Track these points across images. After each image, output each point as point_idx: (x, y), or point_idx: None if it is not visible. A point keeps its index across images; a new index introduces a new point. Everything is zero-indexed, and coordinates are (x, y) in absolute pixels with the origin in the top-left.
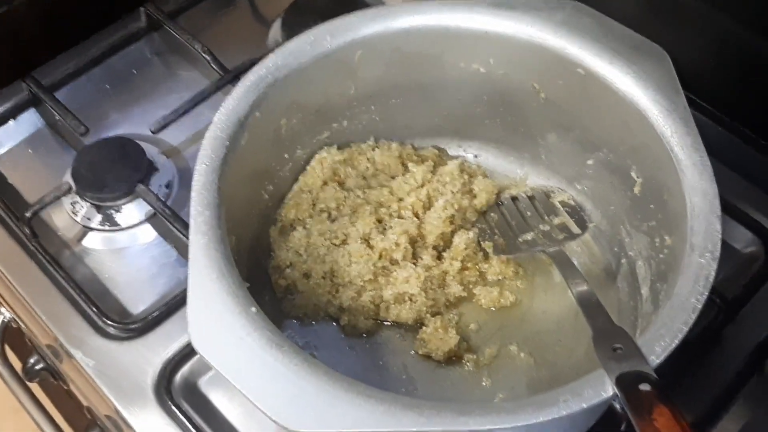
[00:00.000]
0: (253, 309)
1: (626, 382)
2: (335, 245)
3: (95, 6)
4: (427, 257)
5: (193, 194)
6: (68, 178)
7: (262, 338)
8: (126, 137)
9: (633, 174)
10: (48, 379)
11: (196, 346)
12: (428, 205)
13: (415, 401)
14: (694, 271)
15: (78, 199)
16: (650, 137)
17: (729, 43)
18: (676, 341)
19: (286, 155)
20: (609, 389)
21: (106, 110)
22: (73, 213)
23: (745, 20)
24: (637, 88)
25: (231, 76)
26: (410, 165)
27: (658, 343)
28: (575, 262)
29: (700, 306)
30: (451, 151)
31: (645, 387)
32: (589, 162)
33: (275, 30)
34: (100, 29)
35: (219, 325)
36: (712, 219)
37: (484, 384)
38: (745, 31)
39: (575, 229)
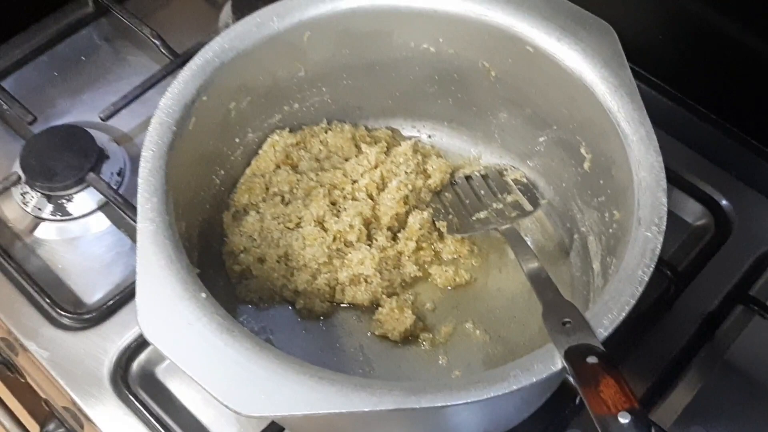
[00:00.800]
0: (203, 294)
1: (575, 356)
2: (289, 229)
3: None
4: (381, 238)
5: (140, 181)
6: (17, 168)
7: (212, 323)
8: (75, 125)
9: (582, 150)
10: (4, 372)
11: (146, 332)
12: (382, 187)
13: (366, 381)
14: (640, 245)
15: (28, 189)
16: (598, 112)
17: (673, 14)
18: (624, 314)
19: (236, 139)
20: (558, 363)
21: (54, 98)
22: (24, 203)
23: None
24: (584, 64)
25: (181, 61)
26: (363, 146)
27: (606, 315)
28: (528, 239)
29: (646, 278)
30: (405, 132)
31: (592, 359)
32: (541, 139)
33: (226, 13)
34: (46, 15)
35: (168, 311)
36: (658, 193)
37: (440, 362)
38: (689, 3)
39: (527, 207)
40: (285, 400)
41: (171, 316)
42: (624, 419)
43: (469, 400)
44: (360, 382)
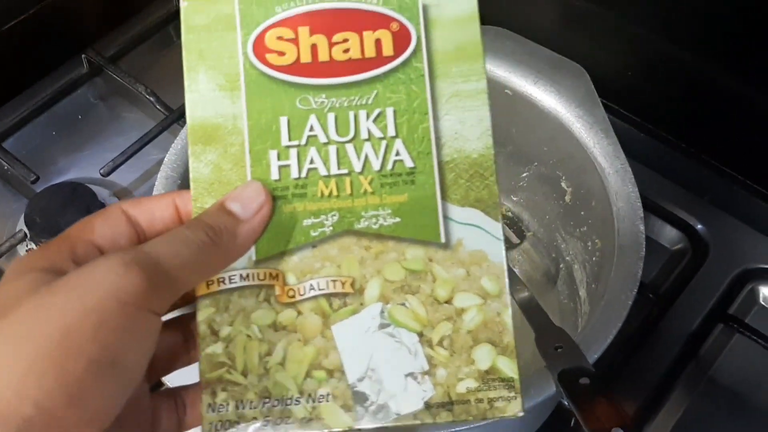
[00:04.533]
0: None
1: (568, 378)
2: None
3: (36, 55)
4: None
5: None
6: (22, 226)
7: None
8: (76, 182)
9: (563, 184)
10: None
11: None
12: None
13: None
14: (623, 271)
15: (33, 245)
16: (575, 149)
17: (642, 52)
18: (611, 336)
19: None
20: (552, 386)
21: (54, 157)
22: None
23: (655, 29)
24: (560, 105)
25: (176, 115)
26: None
27: (594, 339)
28: (517, 270)
29: (630, 302)
30: None
31: (585, 381)
32: (524, 175)
33: None
34: (42, 77)
35: None
36: (636, 221)
37: None
38: (656, 40)
39: (514, 239)
40: None
41: None
42: None
43: (471, 425)
44: None
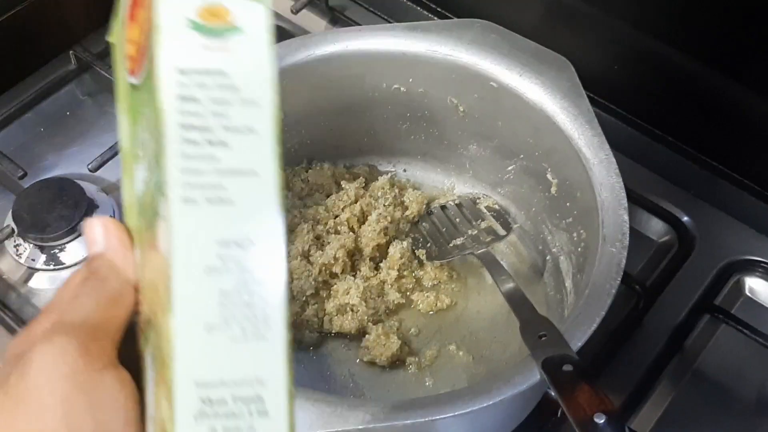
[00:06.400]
0: None
1: (551, 366)
2: None
3: (24, 51)
4: (365, 269)
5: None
6: (9, 222)
7: None
8: (64, 177)
9: (549, 176)
10: None
11: None
12: (363, 220)
13: (359, 401)
14: (606, 260)
15: (21, 241)
16: (560, 141)
17: (628, 46)
18: (594, 325)
19: None
20: (536, 374)
21: (42, 153)
22: (17, 255)
23: (639, 24)
24: (545, 97)
25: None
26: (343, 183)
27: (579, 328)
28: (504, 262)
29: (614, 291)
30: (381, 168)
31: (568, 368)
32: (510, 168)
33: None
34: (29, 74)
35: None
36: (619, 211)
37: (427, 384)
38: (641, 34)
39: (501, 231)
40: None
41: None
42: (599, 419)
43: (455, 413)
44: (353, 403)
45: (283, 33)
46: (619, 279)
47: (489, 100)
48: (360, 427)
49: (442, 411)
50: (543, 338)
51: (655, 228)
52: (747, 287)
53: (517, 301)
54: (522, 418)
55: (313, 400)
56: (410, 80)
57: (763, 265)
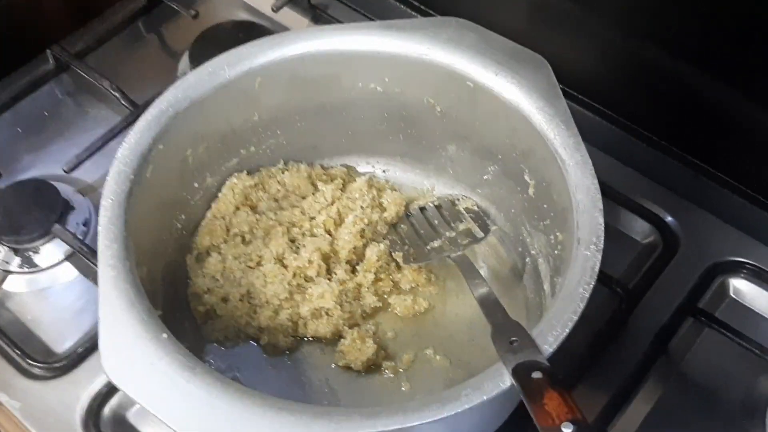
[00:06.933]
0: (164, 335)
1: (522, 372)
2: (250, 268)
3: (2, 51)
4: (340, 272)
5: (100, 229)
6: None
7: (173, 362)
8: (40, 179)
9: (526, 177)
10: None
11: (110, 374)
12: (339, 222)
13: (325, 409)
14: (581, 263)
15: None
16: (537, 141)
17: (610, 44)
18: (567, 330)
19: (195, 184)
20: (507, 380)
21: (18, 153)
22: None
23: (620, 23)
24: (521, 96)
25: (141, 111)
26: (320, 184)
27: (550, 332)
28: (484, 266)
29: (587, 294)
30: (360, 168)
31: (537, 375)
32: (489, 169)
33: (184, 62)
34: (7, 74)
35: (131, 352)
36: (594, 213)
37: (403, 389)
38: (620, 33)
39: (479, 233)
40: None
41: (134, 358)
42: (567, 429)
43: (423, 421)
44: (319, 411)
45: (263, 31)
46: (593, 283)
47: (466, 100)
48: None
49: (409, 419)
50: (514, 343)
51: (640, 229)
52: (732, 288)
53: (490, 306)
54: (501, 422)
55: (277, 408)
56: (386, 80)
57: (748, 266)
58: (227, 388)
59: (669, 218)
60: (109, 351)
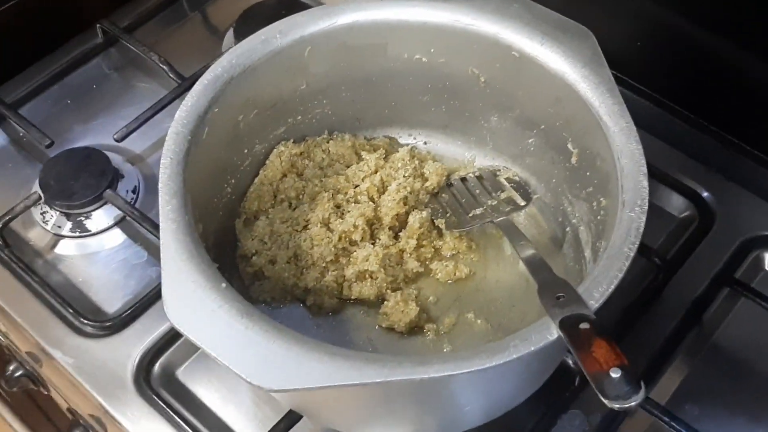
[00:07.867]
0: (223, 284)
1: (568, 324)
2: (297, 231)
3: (52, 24)
4: (384, 237)
5: (161, 185)
6: (36, 189)
7: (233, 309)
8: (91, 147)
9: (569, 146)
10: (28, 385)
11: (173, 320)
12: (382, 190)
13: (377, 356)
14: (625, 225)
15: (47, 208)
16: (581, 109)
17: (650, 21)
18: (612, 287)
19: (245, 150)
20: (554, 332)
21: (69, 124)
22: (44, 222)
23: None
24: (566, 65)
25: (188, 83)
26: (363, 154)
27: (596, 289)
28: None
29: (632, 254)
30: (402, 140)
31: (585, 326)
32: (530, 140)
33: (228, 39)
34: (57, 47)
35: (192, 300)
36: (639, 177)
37: (445, 350)
38: (665, 10)
39: (520, 201)
40: (302, 375)
41: (195, 305)
42: (615, 374)
43: (473, 369)
44: (371, 357)
45: (305, 8)
46: (638, 242)
47: (510, 70)
48: (377, 380)
49: (459, 367)
50: (561, 299)
51: (676, 203)
52: (766, 263)
53: (536, 265)
54: (539, 384)
55: (330, 353)
56: (432, 50)
57: None
58: (284, 335)
59: (705, 193)
60: (171, 299)
